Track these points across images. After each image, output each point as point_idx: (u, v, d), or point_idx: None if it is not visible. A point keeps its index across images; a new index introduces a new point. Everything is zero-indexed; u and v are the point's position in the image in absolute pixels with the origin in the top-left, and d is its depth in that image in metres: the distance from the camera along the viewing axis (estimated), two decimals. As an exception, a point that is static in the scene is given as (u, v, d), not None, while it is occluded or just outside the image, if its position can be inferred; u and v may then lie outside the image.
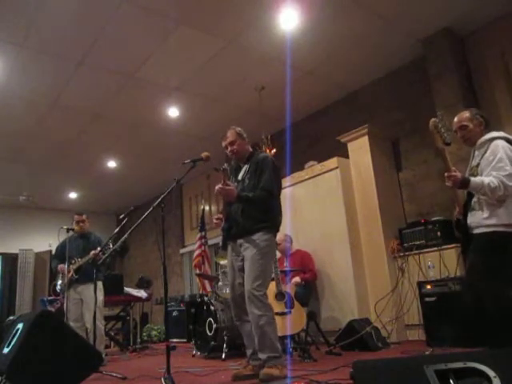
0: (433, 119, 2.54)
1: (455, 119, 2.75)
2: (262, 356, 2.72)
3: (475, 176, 2.58)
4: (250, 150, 3.14)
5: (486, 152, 2.56)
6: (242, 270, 2.92)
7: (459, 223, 2.71)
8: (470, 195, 2.63)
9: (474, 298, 2.56)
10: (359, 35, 4.69)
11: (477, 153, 2.67)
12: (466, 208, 2.65)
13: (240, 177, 3.06)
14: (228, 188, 2.81)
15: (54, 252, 4.65)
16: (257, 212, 2.87)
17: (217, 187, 2.82)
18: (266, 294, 2.81)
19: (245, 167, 3.08)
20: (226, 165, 2.91)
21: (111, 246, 4.26)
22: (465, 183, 2.47)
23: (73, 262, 4.36)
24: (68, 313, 4.29)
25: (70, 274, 4.34)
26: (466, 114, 2.71)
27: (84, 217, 4.64)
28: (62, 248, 4.49)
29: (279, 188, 3.04)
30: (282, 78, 5.27)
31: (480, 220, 2.52)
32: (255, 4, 4.10)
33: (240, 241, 2.92)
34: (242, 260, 2.91)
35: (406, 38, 4.79)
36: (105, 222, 9.91)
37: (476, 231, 2.55)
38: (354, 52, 4.99)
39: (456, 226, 2.79)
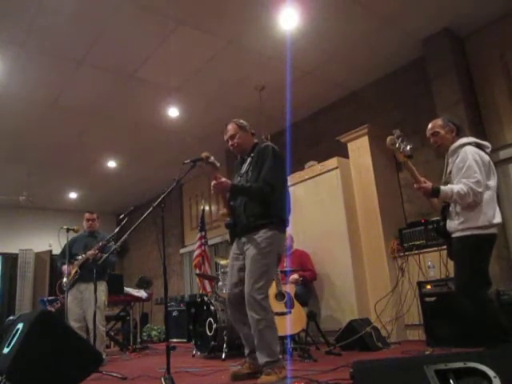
0: (389, 137, 2.65)
1: (429, 126, 2.87)
2: (261, 360, 2.67)
3: (450, 183, 2.68)
4: (254, 141, 3.05)
5: (457, 159, 2.67)
6: (241, 269, 2.86)
7: (440, 230, 2.82)
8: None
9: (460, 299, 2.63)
10: (359, 35, 4.69)
11: (450, 160, 2.77)
12: (445, 213, 2.77)
13: (243, 170, 2.98)
14: (221, 181, 2.73)
15: (59, 250, 4.61)
16: (259, 207, 2.77)
17: (212, 184, 2.76)
18: (267, 295, 2.73)
19: (248, 160, 2.99)
20: (212, 158, 2.82)
21: (112, 244, 4.26)
22: (435, 192, 2.59)
23: (78, 258, 4.36)
24: (69, 312, 4.27)
25: (74, 271, 4.33)
26: (439, 121, 2.84)
27: (95, 216, 4.66)
28: (69, 246, 4.48)
29: (283, 179, 2.92)
30: (282, 78, 5.27)
31: (456, 225, 2.64)
32: (255, 4, 4.10)
33: (244, 239, 2.85)
34: (244, 259, 2.84)
35: (406, 37, 4.79)
36: (105, 222, 9.88)
37: (454, 235, 2.67)
38: (354, 52, 4.99)
39: (436, 231, 2.94)
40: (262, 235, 2.74)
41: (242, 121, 3.04)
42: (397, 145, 2.63)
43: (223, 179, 2.76)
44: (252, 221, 2.78)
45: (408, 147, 2.66)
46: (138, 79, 5.21)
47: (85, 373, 2.71)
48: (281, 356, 2.77)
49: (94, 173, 8.22)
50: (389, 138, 2.65)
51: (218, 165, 2.81)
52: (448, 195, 2.55)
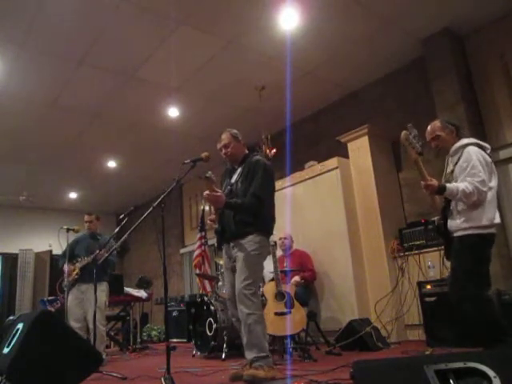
0: (404, 132, 2.63)
1: (428, 129, 2.86)
2: (249, 355, 2.70)
3: (450, 182, 2.68)
4: (246, 152, 3.14)
5: (459, 159, 2.68)
6: (235, 270, 2.93)
7: (440, 229, 2.81)
8: (449, 200, 2.72)
9: (456, 299, 2.60)
10: (359, 35, 4.69)
11: (450, 160, 2.79)
12: (445, 213, 2.76)
13: (233, 180, 3.07)
14: (216, 195, 2.79)
15: (59, 250, 4.62)
16: (248, 217, 2.89)
17: (204, 194, 2.81)
18: (256, 292, 2.82)
19: (238, 170, 3.09)
20: (209, 172, 2.83)
21: (113, 245, 4.27)
22: (441, 190, 2.59)
23: (79, 259, 4.37)
24: (69, 312, 4.28)
25: (75, 272, 4.34)
26: (437, 123, 2.83)
27: (93, 217, 4.68)
28: (71, 247, 4.48)
29: (271, 192, 3.04)
30: (282, 78, 5.27)
31: (458, 224, 2.63)
32: (255, 4, 4.10)
33: (232, 243, 2.95)
34: (235, 261, 2.93)
35: (406, 37, 4.79)
36: (105, 222, 9.86)
37: (455, 235, 2.66)
38: (354, 52, 4.99)
39: (437, 231, 2.91)
40: (251, 239, 2.86)
41: (235, 131, 3.12)
42: (410, 141, 2.60)
43: (219, 193, 2.82)
44: (241, 228, 2.88)
45: (420, 143, 2.63)
46: (138, 79, 5.21)
47: (85, 373, 2.71)
48: (271, 354, 2.79)
49: (94, 173, 8.22)
50: (403, 133, 2.62)
51: (215, 178, 2.84)
52: (453, 193, 2.55)
